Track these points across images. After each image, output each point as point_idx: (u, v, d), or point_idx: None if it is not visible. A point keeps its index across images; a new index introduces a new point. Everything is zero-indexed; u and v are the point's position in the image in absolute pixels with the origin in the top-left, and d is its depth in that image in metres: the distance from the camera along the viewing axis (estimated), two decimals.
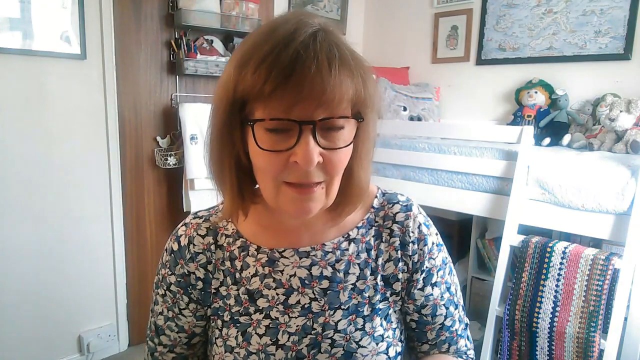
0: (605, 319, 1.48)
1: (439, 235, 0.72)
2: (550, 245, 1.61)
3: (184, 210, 2.33)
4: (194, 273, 0.70)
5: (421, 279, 0.69)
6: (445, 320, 0.71)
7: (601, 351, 1.48)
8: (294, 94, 0.52)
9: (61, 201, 2.02)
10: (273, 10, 2.66)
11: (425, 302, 0.70)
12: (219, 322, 0.69)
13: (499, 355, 1.73)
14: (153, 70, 2.24)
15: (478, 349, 1.81)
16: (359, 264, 0.68)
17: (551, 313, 1.57)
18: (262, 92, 0.52)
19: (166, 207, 2.38)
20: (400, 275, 0.68)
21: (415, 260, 0.68)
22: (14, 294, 1.93)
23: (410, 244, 0.68)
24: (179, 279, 0.70)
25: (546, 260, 1.60)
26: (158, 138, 2.29)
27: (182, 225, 0.73)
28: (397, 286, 0.69)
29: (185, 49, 2.22)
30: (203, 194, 2.29)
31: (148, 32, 2.20)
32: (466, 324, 0.75)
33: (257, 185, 0.64)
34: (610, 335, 1.45)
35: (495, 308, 1.74)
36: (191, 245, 0.70)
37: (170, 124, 2.32)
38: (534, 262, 1.63)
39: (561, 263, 1.57)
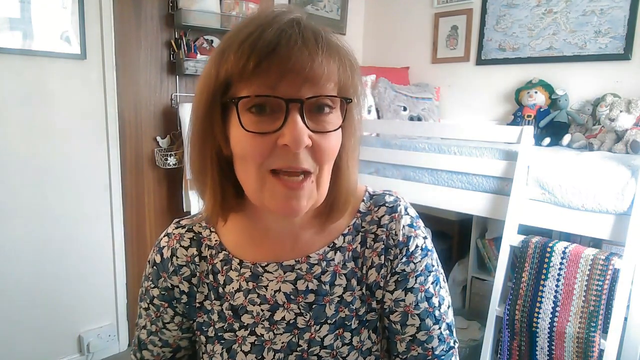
0: (605, 319, 1.48)
1: (428, 239, 0.66)
2: (550, 245, 1.61)
3: (184, 210, 2.33)
4: (177, 286, 0.67)
5: (393, 281, 0.63)
6: (417, 333, 0.63)
7: (601, 351, 1.48)
8: (279, 68, 0.50)
9: (61, 201, 2.01)
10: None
11: (394, 307, 0.63)
12: (203, 337, 0.67)
13: (499, 355, 1.73)
14: (153, 70, 2.24)
15: (478, 349, 1.81)
16: (345, 274, 0.64)
17: (551, 313, 1.57)
18: (245, 68, 0.50)
19: (166, 207, 2.38)
20: (382, 283, 0.64)
21: (395, 264, 0.63)
22: (14, 294, 1.93)
23: (393, 248, 0.63)
24: (162, 292, 0.67)
25: (546, 260, 1.60)
26: (158, 138, 2.29)
27: (164, 236, 0.70)
28: (379, 294, 0.64)
29: (185, 49, 2.22)
30: None
31: (148, 32, 2.19)
32: (450, 347, 0.65)
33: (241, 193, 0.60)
34: (610, 335, 1.45)
35: (495, 308, 1.74)
36: (174, 258, 0.67)
37: (170, 124, 2.32)
38: (534, 262, 1.63)
39: (561, 263, 1.57)
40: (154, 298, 0.68)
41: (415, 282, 0.63)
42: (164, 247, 0.68)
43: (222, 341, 0.65)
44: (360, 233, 0.65)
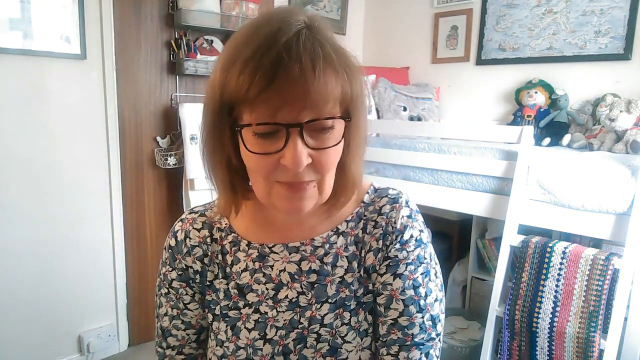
0: (605, 319, 1.48)
1: (425, 233, 0.69)
2: (550, 245, 1.61)
3: (184, 211, 2.32)
4: (191, 266, 0.71)
5: (384, 265, 0.66)
6: (399, 317, 0.65)
7: (601, 351, 1.48)
8: (279, 98, 0.52)
9: (61, 201, 2.02)
10: None
11: (381, 290, 0.66)
12: (210, 315, 0.70)
13: (499, 355, 1.73)
14: (153, 70, 2.24)
15: (478, 349, 1.81)
16: (347, 257, 0.67)
17: (551, 313, 1.57)
18: (247, 96, 0.52)
19: (166, 207, 2.38)
20: (377, 266, 0.67)
21: (389, 249, 0.67)
22: (14, 294, 1.93)
23: (390, 234, 0.67)
24: (179, 273, 0.71)
25: (546, 260, 1.60)
26: (158, 138, 2.29)
27: (178, 221, 0.74)
28: (374, 277, 0.68)
29: (185, 49, 2.22)
30: (203, 194, 2.29)
31: (148, 32, 2.19)
32: (431, 338, 0.65)
33: (250, 183, 0.64)
34: (610, 335, 1.45)
35: (495, 308, 1.74)
36: (187, 239, 0.71)
37: (170, 124, 2.32)
38: (534, 262, 1.63)
39: (561, 263, 1.57)
40: (173, 281, 0.72)
41: (405, 270, 0.66)
42: (177, 230, 0.73)
43: (227, 319, 0.68)
44: (362, 220, 0.69)
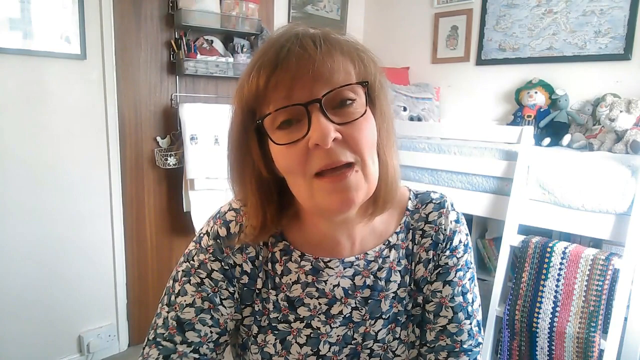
0: (605, 319, 1.48)
1: (469, 236, 0.70)
2: (550, 245, 1.61)
3: (184, 211, 2.33)
4: (240, 265, 0.64)
5: (435, 273, 0.66)
6: (448, 324, 0.65)
7: (601, 351, 1.48)
8: (287, 77, 0.52)
9: (61, 201, 2.01)
10: (273, 10, 2.66)
11: (430, 297, 0.66)
12: (255, 327, 0.65)
13: (499, 355, 1.73)
14: (153, 70, 2.24)
15: None
16: (400, 271, 0.66)
17: (551, 313, 1.57)
18: (258, 89, 0.54)
19: (166, 207, 2.37)
20: (429, 277, 0.67)
21: (440, 257, 0.67)
22: (14, 294, 1.93)
23: (441, 243, 0.67)
24: (225, 268, 0.64)
25: (546, 260, 1.60)
26: (158, 138, 2.29)
27: (230, 210, 0.66)
28: (426, 289, 0.67)
29: (185, 49, 2.22)
30: (203, 194, 2.29)
31: (148, 32, 2.19)
32: (478, 343, 0.67)
33: (284, 210, 0.62)
34: (610, 335, 1.45)
35: (495, 308, 1.74)
36: (242, 235, 0.63)
37: (170, 124, 2.32)
38: (534, 262, 1.63)
39: (561, 263, 1.57)
40: (214, 272, 0.63)
41: (455, 276, 0.67)
42: (231, 221, 0.65)
43: (276, 332, 0.65)
44: (410, 230, 0.68)
